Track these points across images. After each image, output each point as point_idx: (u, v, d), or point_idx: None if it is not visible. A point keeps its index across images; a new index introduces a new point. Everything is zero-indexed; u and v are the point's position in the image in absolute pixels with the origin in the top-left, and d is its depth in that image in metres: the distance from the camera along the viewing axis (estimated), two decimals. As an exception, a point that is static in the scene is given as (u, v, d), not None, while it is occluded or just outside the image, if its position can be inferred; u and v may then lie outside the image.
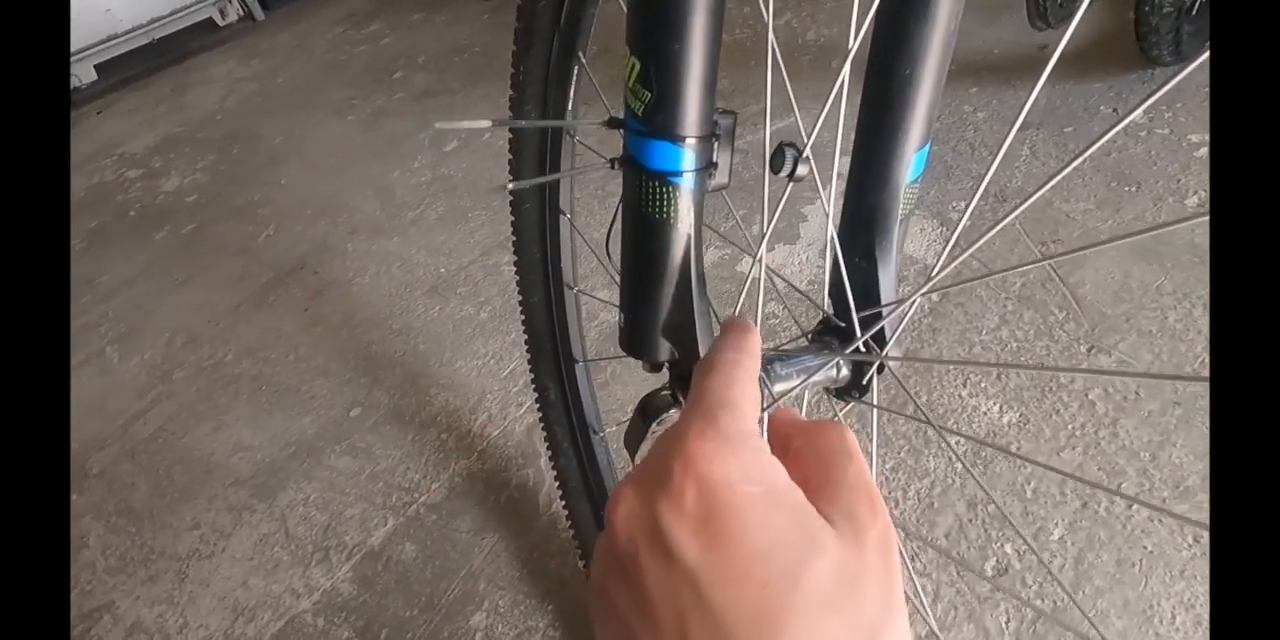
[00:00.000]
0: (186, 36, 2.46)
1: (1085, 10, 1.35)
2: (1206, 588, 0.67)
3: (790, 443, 0.26)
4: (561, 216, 0.67)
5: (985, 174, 0.32)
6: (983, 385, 0.88)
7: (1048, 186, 0.29)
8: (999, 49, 1.45)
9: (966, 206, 0.34)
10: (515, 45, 0.59)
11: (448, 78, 1.86)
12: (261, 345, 1.15)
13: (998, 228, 0.30)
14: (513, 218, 0.69)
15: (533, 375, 0.74)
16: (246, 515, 0.91)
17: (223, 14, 2.54)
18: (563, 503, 0.73)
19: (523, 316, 0.72)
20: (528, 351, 0.73)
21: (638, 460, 0.78)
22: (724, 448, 0.21)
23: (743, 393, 0.24)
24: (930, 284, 0.37)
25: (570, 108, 0.60)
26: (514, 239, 0.70)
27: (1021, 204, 0.30)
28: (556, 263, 0.69)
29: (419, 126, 1.68)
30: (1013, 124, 0.28)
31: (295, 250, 1.36)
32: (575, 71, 0.58)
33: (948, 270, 0.35)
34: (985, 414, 0.85)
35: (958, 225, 0.34)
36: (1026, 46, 1.42)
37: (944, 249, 0.37)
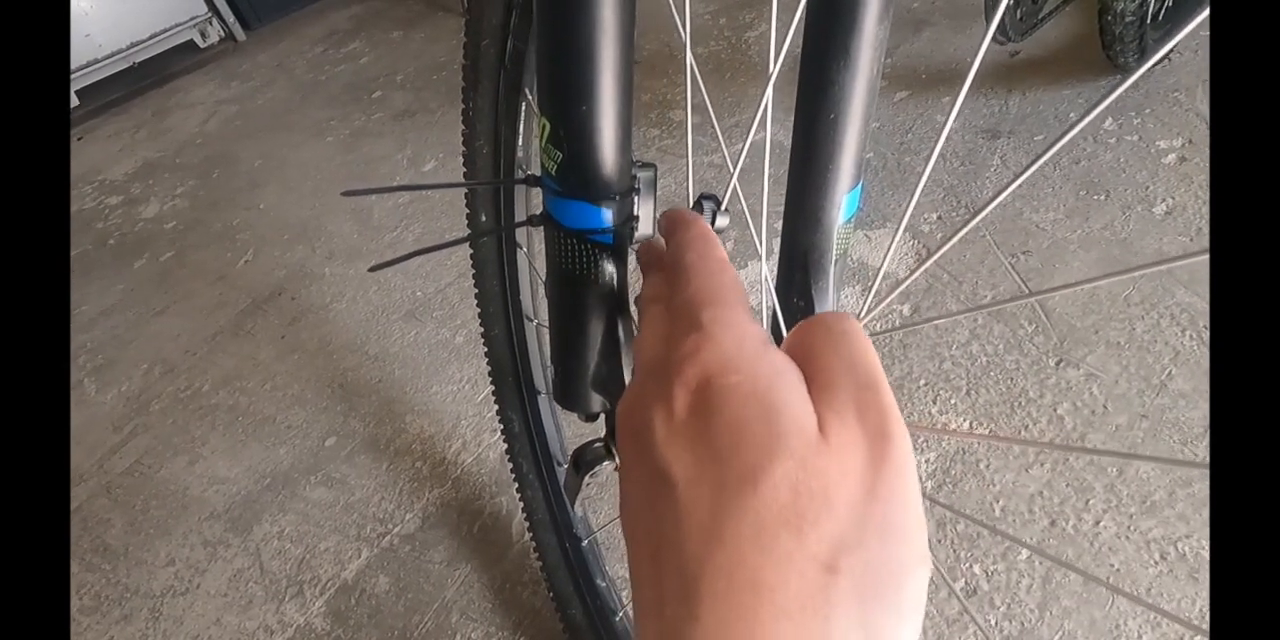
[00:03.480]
0: (167, 59, 2.47)
1: (1054, 20, 1.36)
2: (1172, 606, 0.67)
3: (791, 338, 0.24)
4: (519, 250, 0.67)
5: (921, 176, 0.32)
6: (952, 401, 0.88)
7: (1004, 195, 0.28)
8: (971, 57, 1.45)
9: (894, 234, 0.34)
10: (464, 82, 0.59)
11: (426, 96, 1.87)
12: (238, 374, 1.15)
13: (954, 240, 0.30)
14: (471, 251, 0.69)
15: (497, 407, 0.74)
16: (221, 550, 0.91)
17: (203, 35, 2.54)
18: (530, 534, 0.73)
19: (485, 349, 0.72)
20: (492, 383, 0.73)
21: (578, 507, 0.77)
22: (709, 344, 0.20)
23: (722, 285, 0.23)
24: (862, 322, 0.38)
25: (521, 143, 0.60)
26: (473, 271, 0.71)
27: (974, 216, 0.30)
28: (515, 296, 0.69)
29: (397, 146, 1.68)
30: (942, 129, 0.28)
31: (273, 276, 1.36)
32: (523, 108, 0.58)
33: (884, 303, 0.35)
34: (956, 430, 0.85)
35: (884, 259, 0.34)
36: (998, 53, 1.42)
37: (873, 283, 0.37)
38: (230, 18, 2.54)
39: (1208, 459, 0.19)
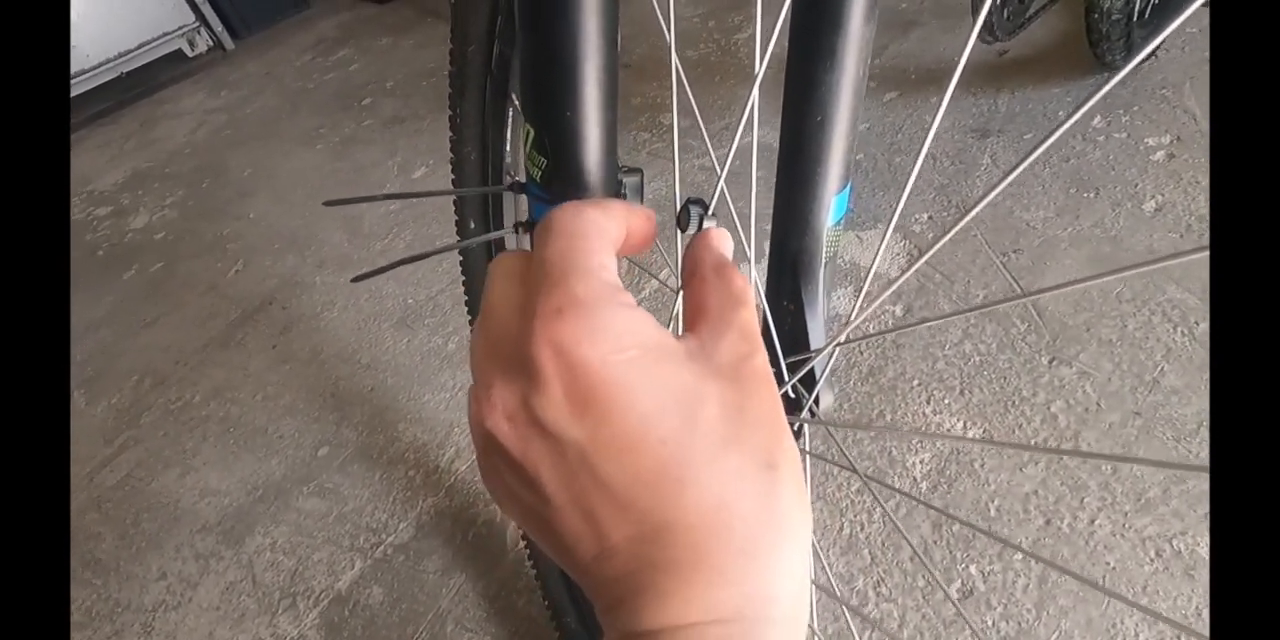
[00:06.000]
0: (156, 69, 2.46)
1: (1042, 19, 1.36)
2: (1169, 604, 0.67)
3: (700, 269, 0.25)
4: (506, 257, 0.67)
5: (908, 179, 0.31)
6: (946, 401, 0.88)
7: (992, 195, 0.28)
8: (960, 56, 1.46)
9: (883, 237, 0.34)
10: (450, 88, 0.59)
11: (415, 103, 1.86)
12: (229, 385, 1.15)
13: (943, 241, 0.29)
14: (460, 258, 0.69)
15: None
16: (213, 563, 0.90)
17: (192, 45, 2.53)
18: (524, 542, 0.73)
19: (475, 356, 0.72)
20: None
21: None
22: (586, 321, 0.20)
23: (589, 249, 0.22)
24: (845, 331, 0.37)
25: (509, 148, 0.60)
26: (463, 279, 0.70)
27: (961, 219, 0.30)
28: (504, 303, 0.69)
29: (387, 153, 1.68)
30: (929, 130, 0.28)
31: (264, 285, 1.35)
32: (510, 113, 0.58)
33: (871, 309, 0.35)
34: (949, 431, 0.85)
35: (872, 266, 0.34)
36: (986, 52, 1.43)
37: (864, 284, 0.36)
38: (219, 27, 2.53)
39: (1207, 462, 0.18)
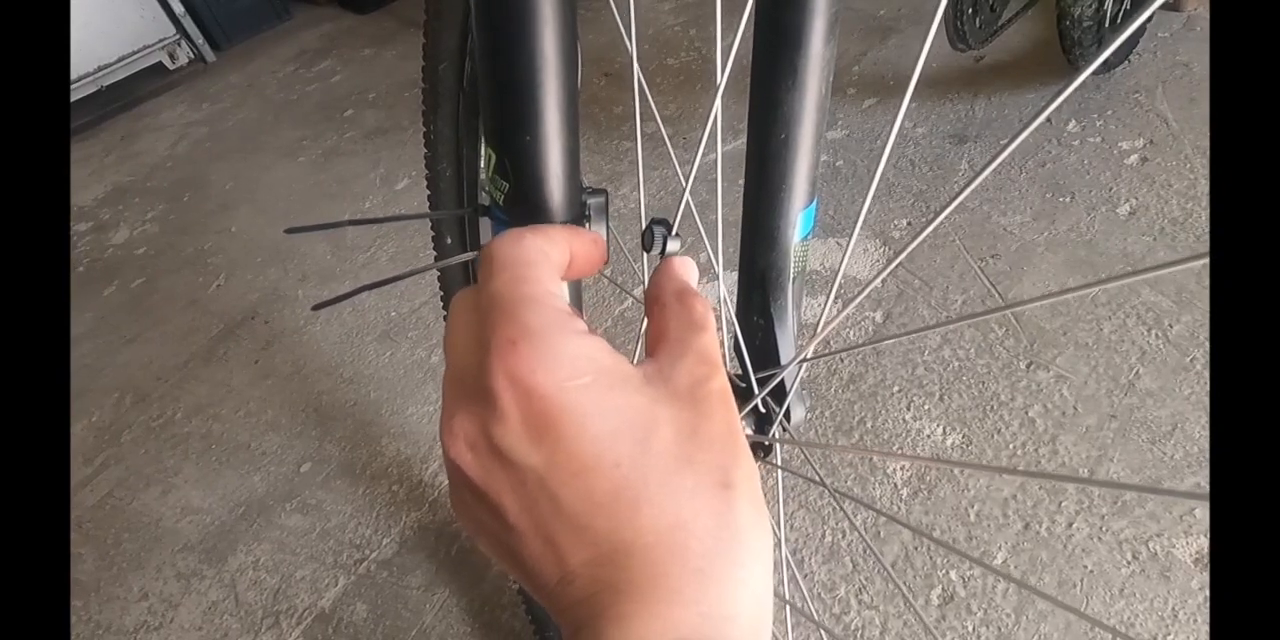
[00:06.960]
0: (136, 82, 2.44)
1: (1015, 26, 1.37)
2: (1145, 605, 0.67)
3: (661, 296, 0.25)
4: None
5: (870, 185, 0.32)
6: (926, 407, 0.88)
7: (960, 198, 0.29)
8: (937, 63, 1.47)
9: (845, 253, 0.35)
10: (424, 105, 0.59)
11: (398, 113, 1.86)
12: (211, 401, 1.14)
13: (916, 242, 0.30)
14: (438, 275, 0.69)
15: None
16: (195, 582, 0.89)
17: (172, 57, 2.52)
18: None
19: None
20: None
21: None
22: (540, 350, 0.20)
23: (535, 278, 0.22)
24: (811, 345, 0.38)
25: (484, 165, 0.60)
26: (441, 295, 0.70)
27: (934, 219, 0.30)
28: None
29: (370, 165, 1.68)
30: (890, 133, 0.28)
31: (246, 300, 1.35)
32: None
33: (840, 317, 0.35)
34: (929, 437, 0.85)
35: (839, 273, 0.34)
36: (964, 59, 1.44)
37: (833, 288, 0.37)
38: (199, 39, 2.52)
39: (1206, 490, 0.18)
